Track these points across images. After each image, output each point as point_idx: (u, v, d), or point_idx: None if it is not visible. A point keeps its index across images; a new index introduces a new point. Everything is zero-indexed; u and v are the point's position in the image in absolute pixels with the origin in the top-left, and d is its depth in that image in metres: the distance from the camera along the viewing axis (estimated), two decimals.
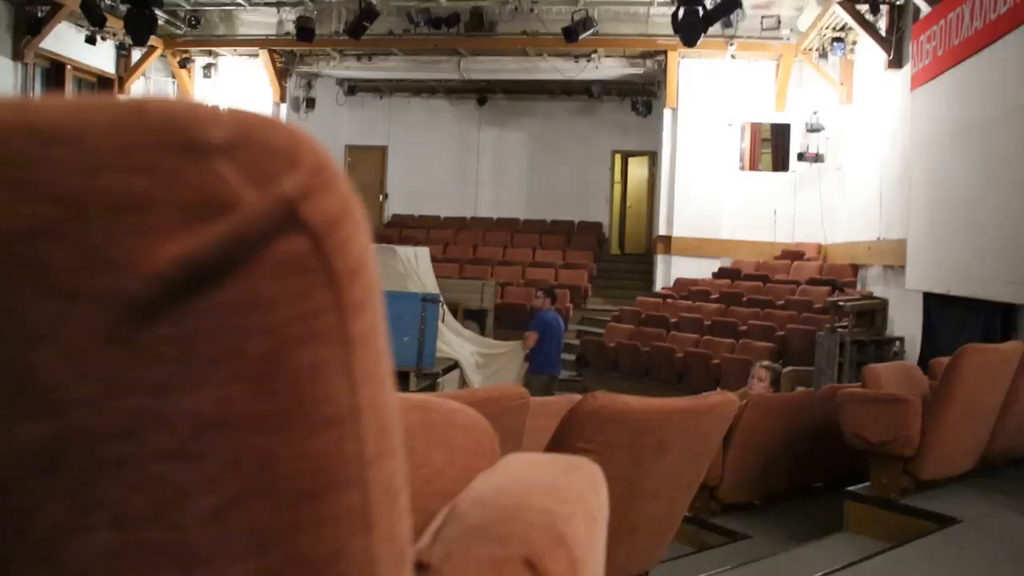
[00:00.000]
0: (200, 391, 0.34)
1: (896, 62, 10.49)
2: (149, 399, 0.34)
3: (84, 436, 0.34)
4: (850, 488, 4.27)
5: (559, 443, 2.29)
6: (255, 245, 0.35)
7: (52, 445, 0.35)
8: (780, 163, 15.06)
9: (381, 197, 18.41)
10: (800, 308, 11.44)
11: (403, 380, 7.63)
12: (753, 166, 15.26)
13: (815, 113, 13.47)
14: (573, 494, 0.73)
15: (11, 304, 0.34)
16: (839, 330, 8.56)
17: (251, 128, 0.36)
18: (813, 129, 13.54)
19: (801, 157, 13.79)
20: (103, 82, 15.27)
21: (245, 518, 0.36)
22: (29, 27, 12.69)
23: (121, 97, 0.37)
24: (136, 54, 15.22)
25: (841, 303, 8.83)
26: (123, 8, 12.98)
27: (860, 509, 4.11)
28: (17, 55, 12.77)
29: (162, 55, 15.58)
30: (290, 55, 15.70)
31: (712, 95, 14.44)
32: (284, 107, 16.14)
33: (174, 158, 0.34)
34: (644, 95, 16.39)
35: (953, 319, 8.03)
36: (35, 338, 0.34)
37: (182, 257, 0.34)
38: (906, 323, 9.42)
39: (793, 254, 13.89)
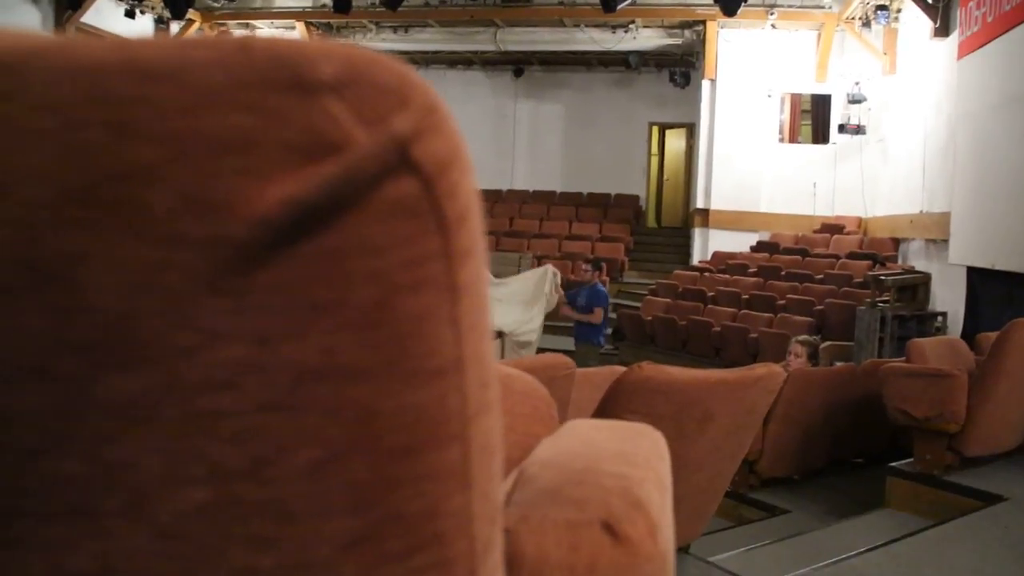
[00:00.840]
0: (302, 340, 0.33)
1: (942, 30, 10.25)
2: (249, 349, 0.33)
3: (181, 387, 0.34)
4: (892, 464, 4.23)
5: (604, 414, 2.28)
6: (365, 187, 0.34)
7: (148, 397, 0.34)
8: (820, 135, 14.83)
9: None
10: (839, 282, 11.30)
11: None
12: (792, 138, 15.05)
13: (857, 84, 13.22)
14: (642, 459, 0.72)
15: (111, 250, 0.33)
16: (880, 305, 8.44)
17: (360, 65, 0.35)
18: (855, 100, 13.31)
19: (842, 129, 13.57)
20: None
21: (343, 473, 0.35)
22: (70, 2, 12.80)
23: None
24: (174, 27, 15.29)
25: (882, 277, 8.70)
26: None
27: (902, 485, 4.06)
28: (58, 30, 12.88)
29: (199, 28, 15.64)
30: (326, 27, 15.68)
31: (751, 66, 14.23)
32: None
33: (281, 96, 0.33)
34: (682, 66, 16.17)
35: (998, 293, 7.88)
36: (134, 285, 0.33)
37: (288, 199, 0.32)
38: (949, 298, 9.27)
39: (833, 227, 13.71)
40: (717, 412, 2.40)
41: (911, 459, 4.18)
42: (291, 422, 0.34)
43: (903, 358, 4.88)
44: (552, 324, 10.84)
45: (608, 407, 2.28)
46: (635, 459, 0.71)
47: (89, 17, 13.30)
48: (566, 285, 10.39)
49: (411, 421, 0.35)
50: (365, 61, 0.35)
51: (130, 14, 13.88)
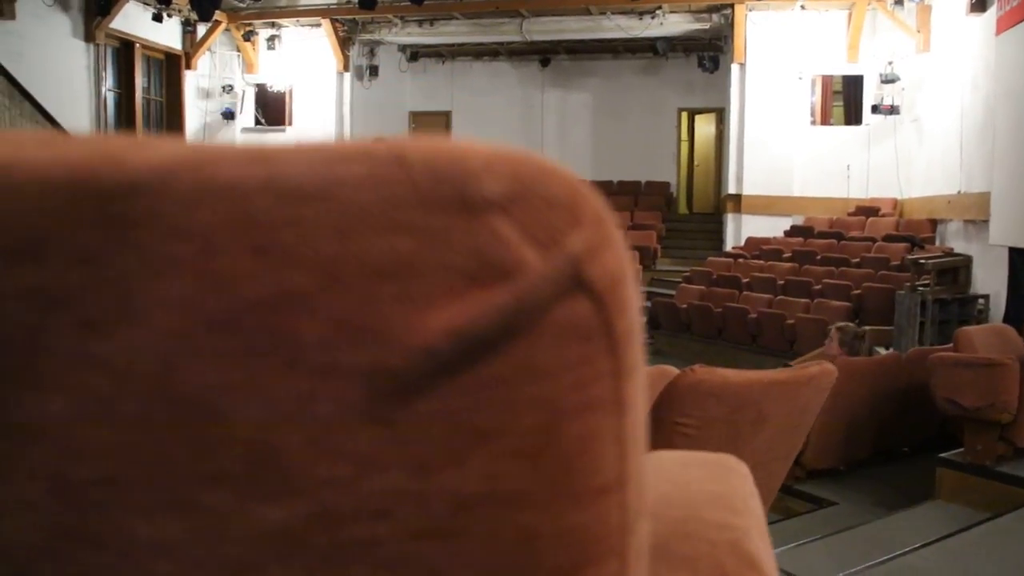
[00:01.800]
0: (463, 467, 0.31)
1: (979, 5, 10.05)
2: (406, 477, 0.31)
3: (331, 517, 0.32)
4: (942, 455, 4.17)
5: (657, 418, 2.26)
6: (537, 312, 0.32)
7: (295, 527, 0.32)
8: (853, 116, 14.64)
9: None
10: (876, 266, 11.15)
11: None
12: (824, 120, 14.88)
13: (890, 63, 13.02)
14: (740, 503, 0.70)
15: (256, 381, 0.31)
16: (920, 289, 8.33)
17: (529, 179, 0.33)
18: (888, 80, 13.11)
19: (875, 109, 13.38)
20: (170, 59, 15.52)
21: None
22: (99, 8, 12.92)
23: (375, 140, 0.33)
24: (201, 29, 15.40)
25: (922, 261, 8.57)
26: None
27: (953, 476, 4.01)
28: (89, 36, 13.04)
29: (226, 29, 15.74)
30: (352, 23, 15.71)
31: (781, 48, 14.05)
32: (348, 76, 16.21)
33: (443, 216, 0.31)
34: (711, 50, 16.00)
35: None
36: (281, 415, 0.31)
37: (453, 328, 0.30)
38: (990, 280, 9.13)
39: (868, 210, 13.53)
40: (771, 413, 2.37)
41: (961, 449, 4.12)
42: (448, 548, 0.32)
43: (948, 345, 4.81)
44: None
45: (660, 411, 2.26)
46: (734, 503, 0.69)
47: (117, 23, 13.44)
48: None
49: (572, 541, 0.33)
50: (534, 173, 0.33)
51: (157, 18, 13.98)
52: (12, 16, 11.55)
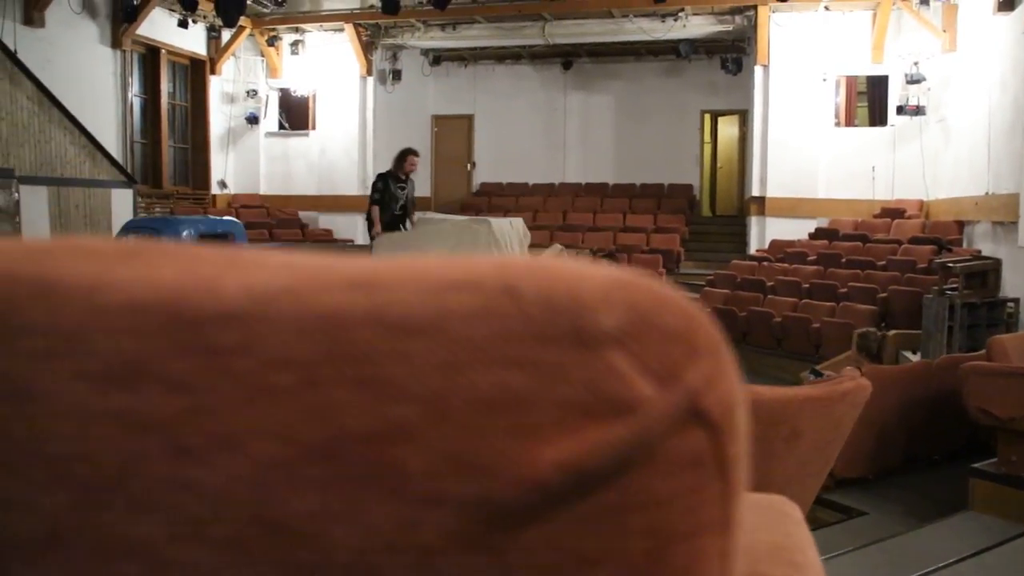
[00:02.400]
0: None
1: (1007, 4, 9.94)
2: None
3: None
4: (975, 465, 4.13)
5: None
6: (653, 446, 0.31)
7: None
8: (877, 117, 14.53)
9: (469, 166, 18.44)
10: (903, 268, 11.06)
11: None
12: (849, 121, 14.78)
13: (915, 63, 12.92)
14: (800, 555, 0.70)
15: (356, 509, 0.31)
16: (948, 292, 8.24)
17: (646, 309, 0.32)
18: (913, 80, 13.01)
19: (901, 110, 13.28)
20: (195, 64, 15.63)
21: None
22: (126, 15, 13.03)
23: (485, 264, 0.33)
24: (225, 35, 15.49)
25: (950, 264, 8.48)
26: None
27: (986, 487, 3.96)
28: (116, 43, 13.15)
29: (250, 34, 15.83)
30: (375, 28, 15.76)
31: (805, 49, 13.97)
32: (371, 80, 16.26)
33: (558, 350, 0.30)
34: (734, 52, 15.92)
35: None
36: (382, 543, 0.31)
37: (567, 463, 0.30)
38: (1020, 283, 9.02)
39: (893, 212, 13.41)
40: (804, 429, 2.36)
41: (994, 459, 4.08)
42: None
43: (979, 351, 4.76)
44: None
45: None
46: (794, 556, 0.69)
47: (144, 29, 13.55)
48: None
49: None
50: (650, 303, 0.32)
51: (183, 24, 14.08)
52: (42, 24, 11.67)
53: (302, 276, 0.33)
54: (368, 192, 16.20)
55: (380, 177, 9.42)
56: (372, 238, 9.28)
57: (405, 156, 9.28)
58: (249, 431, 0.31)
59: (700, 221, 16.76)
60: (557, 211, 16.72)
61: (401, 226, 9.36)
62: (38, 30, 11.63)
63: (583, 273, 0.32)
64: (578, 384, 0.30)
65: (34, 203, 11.11)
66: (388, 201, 9.14)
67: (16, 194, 10.78)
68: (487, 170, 18.36)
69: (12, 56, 10.77)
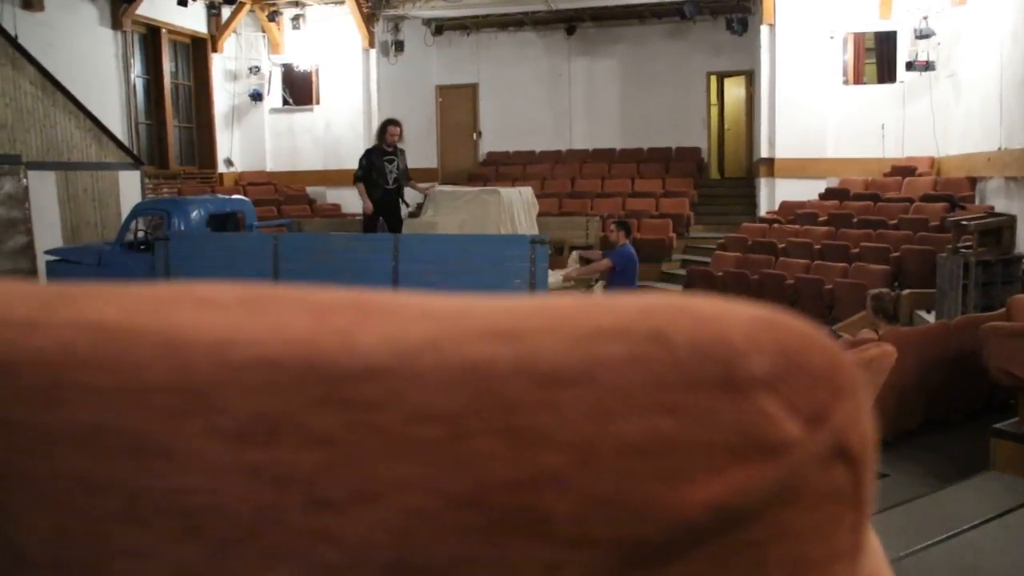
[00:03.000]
0: None
1: None
2: None
3: None
4: (996, 425, 4.13)
5: None
6: (799, 483, 0.32)
7: None
8: (886, 74, 14.39)
9: (475, 135, 18.36)
10: (915, 227, 11.00)
11: None
12: (857, 79, 14.64)
13: (924, 18, 12.75)
14: None
15: (499, 552, 0.31)
16: (962, 251, 8.20)
17: (794, 354, 0.32)
18: (923, 35, 12.85)
19: (910, 66, 13.13)
20: (196, 43, 15.56)
21: None
22: None
23: (631, 308, 0.32)
24: (226, 12, 15.40)
25: (964, 222, 8.43)
26: None
27: (1009, 447, 3.97)
28: (116, 24, 13.10)
29: (251, 10, 15.74)
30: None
31: (811, 7, 13.83)
32: (373, 52, 16.16)
33: (708, 395, 0.31)
34: (739, 12, 15.74)
35: None
36: None
37: (715, 503, 0.30)
38: None
39: (904, 170, 13.32)
40: None
41: (1015, 419, 4.08)
42: None
43: (997, 311, 4.74)
44: None
45: None
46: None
47: (143, 9, 13.48)
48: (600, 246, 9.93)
49: None
50: (797, 346, 0.32)
51: (182, 2, 14.00)
52: (41, 8, 11.62)
53: (442, 326, 0.33)
54: None
55: (365, 153, 9.35)
56: (365, 216, 9.27)
57: (385, 128, 9.21)
58: (391, 483, 0.32)
59: (709, 184, 16.69)
60: (565, 178, 16.65)
61: (400, 201, 9.26)
62: (37, 14, 11.58)
63: (729, 315, 0.32)
64: (727, 427, 0.31)
65: (43, 188, 11.11)
66: (376, 177, 9.01)
67: (24, 180, 10.78)
68: (493, 139, 18.27)
69: (13, 41, 10.73)
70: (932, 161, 13.19)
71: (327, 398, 0.32)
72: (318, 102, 16.62)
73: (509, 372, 0.31)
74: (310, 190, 16.32)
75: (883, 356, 2.48)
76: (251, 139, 16.67)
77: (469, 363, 0.31)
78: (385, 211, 9.07)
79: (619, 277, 8.23)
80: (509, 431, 0.31)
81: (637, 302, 0.33)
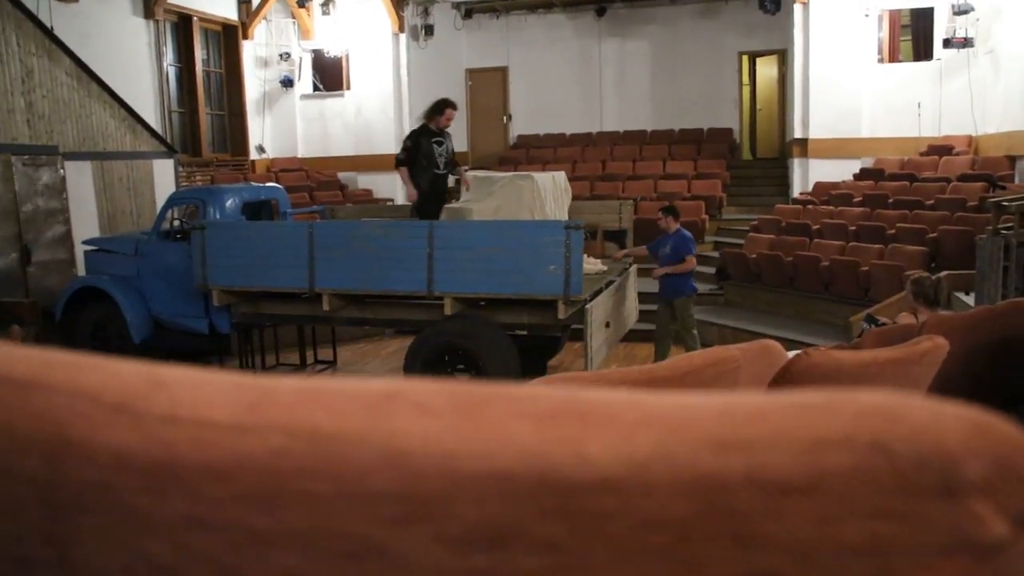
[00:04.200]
0: None
1: None
2: None
3: None
4: None
5: None
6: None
7: None
8: (922, 51, 14.18)
9: (505, 119, 18.32)
10: (952, 207, 10.85)
11: (551, 309, 7.68)
12: (893, 57, 14.43)
13: None
14: None
15: None
16: (1003, 232, 8.06)
17: (1005, 457, 0.34)
18: (961, 11, 12.63)
19: (947, 43, 12.92)
20: (227, 30, 15.62)
21: None
22: None
23: (847, 414, 0.34)
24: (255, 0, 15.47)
25: (1005, 203, 8.28)
26: None
27: None
28: (149, 13, 13.18)
29: None
30: None
31: None
32: (403, 37, 16.15)
33: (925, 501, 0.32)
34: None
35: None
36: None
37: None
38: None
39: (940, 149, 13.15)
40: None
41: None
42: None
43: None
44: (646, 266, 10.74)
45: None
46: None
47: None
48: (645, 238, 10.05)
49: None
50: (1009, 451, 0.34)
51: None
52: None
53: (667, 436, 0.33)
54: None
55: (411, 135, 8.81)
56: (412, 204, 8.86)
57: (442, 108, 8.66)
58: None
59: (741, 165, 16.56)
60: (596, 161, 16.59)
61: (445, 187, 9.05)
62: (72, 5, 11.68)
63: (944, 420, 0.34)
64: (942, 529, 0.32)
65: (79, 178, 11.26)
66: (423, 161, 8.54)
67: (62, 170, 10.92)
68: (523, 122, 18.23)
69: (49, 33, 10.84)
70: (970, 140, 13.00)
71: (558, 508, 0.32)
72: (348, 87, 16.65)
73: (738, 484, 0.32)
74: (341, 175, 16.39)
75: (936, 349, 2.44)
76: (282, 125, 16.75)
77: (700, 475, 0.32)
78: (435, 197, 8.67)
79: (677, 259, 8.77)
80: (734, 536, 0.32)
81: (850, 405, 0.33)
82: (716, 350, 2.36)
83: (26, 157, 10.48)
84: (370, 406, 0.35)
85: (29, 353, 0.36)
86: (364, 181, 16.48)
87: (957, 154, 12.83)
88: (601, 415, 0.34)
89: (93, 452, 0.32)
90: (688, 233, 9.05)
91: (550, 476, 0.32)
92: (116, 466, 0.32)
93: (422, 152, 8.55)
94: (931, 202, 11.29)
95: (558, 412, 0.35)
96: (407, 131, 16.11)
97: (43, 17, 10.88)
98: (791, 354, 3.65)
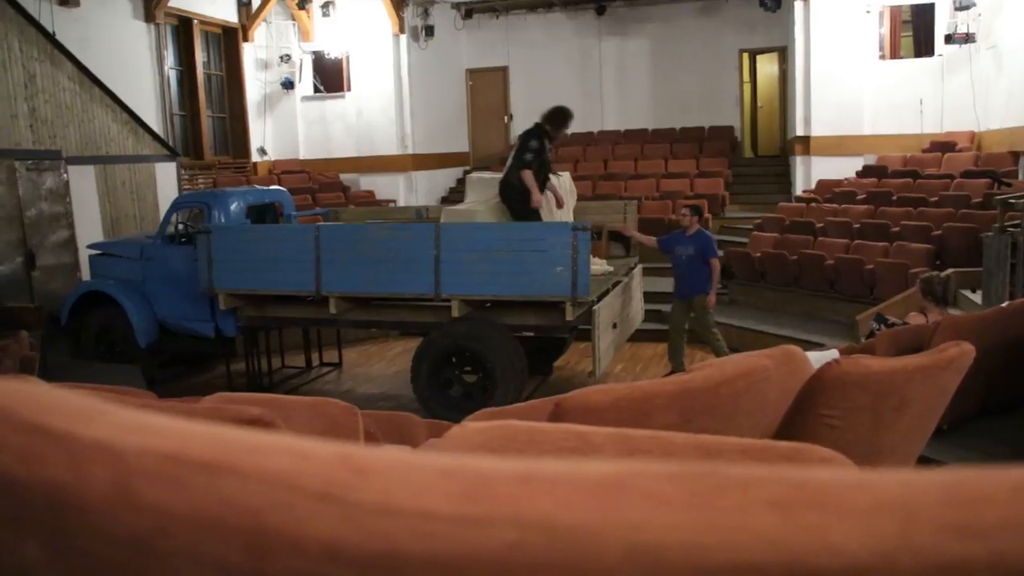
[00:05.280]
0: None
1: None
2: None
3: None
4: None
5: (800, 411, 2.26)
6: None
7: None
8: (924, 47, 14.18)
9: (506, 118, 18.30)
10: (956, 204, 10.84)
11: (558, 310, 7.67)
12: (894, 53, 14.42)
13: None
14: None
15: None
16: (1009, 229, 8.06)
17: None
18: (962, 7, 12.62)
19: (949, 39, 12.92)
20: (228, 33, 15.60)
21: None
22: None
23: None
24: (256, 1, 15.42)
25: (1012, 200, 8.28)
26: None
27: None
28: (149, 16, 13.16)
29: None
30: None
31: None
32: (403, 38, 16.12)
33: None
34: None
35: None
36: None
37: None
38: None
39: (943, 145, 13.13)
40: (912, 398, 2.34)
41: None
42: None
43: None
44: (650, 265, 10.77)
45: (805, 404, 2.24)
46: None
47: (175, 1, 13.52)
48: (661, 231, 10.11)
49: None
50: None
51: None
52: (77, 3, 11.68)
53: (908, 524, 0.33)
54: (404, 149, 16.18)
55: (535, 136, 8.32)
56: (525, 210, 8.17)
57: (567, 119, 8.68)
58: None
59: (743, 163, 16.55)
60: (597, 160, 16.57)
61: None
62: (73, 9, 11.65)
63: None
64: None
65: (83, 183, 11.23)
66: (538, 167, 8.16)
67: (65, 175, 10.90)
68: (525, 121, 18.04)
69: (51, 38, 10.82)
70: (973, 136, 12.99)
71: None
72: (349, 89, 16.61)
73: (981, 571, 0.31)
74: (343, 177, 16.35)
75: (962, 356, 2.45)
76: (284, 127, 16.71)
77: (944, 564, 0.32)
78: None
79: (700, 260, 8.78)
80: None
81: None
82: (747, 360, 2.36)
83: (30, 162, 10.45)
84: (600, 495, 0.34)
85: (204, 432, 0.35)
86: (366, 182, 16.45)
87: (960, 150, 12.82)
88: (839, 501, 0.34)
89: (301, 543, 0.31)
90: (709, 232, 9.12)
91: (798, 566, 0.32)
92: (330, 559, 0.31)
93: (540, 158, 8.28)
94: (935, 199, 11.28)
95: (796, 499, 0.34)
96: (408, 131, 16.17)
97: (45, 22, 10.85)
98: (811, 357, 3.65)
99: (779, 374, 2.53)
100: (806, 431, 2.20)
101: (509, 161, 8.45)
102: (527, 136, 8.41)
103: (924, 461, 4.68)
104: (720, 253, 9.25)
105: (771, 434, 2.36)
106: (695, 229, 8.87)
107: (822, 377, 2.21)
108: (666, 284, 12.26)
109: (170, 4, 13.42)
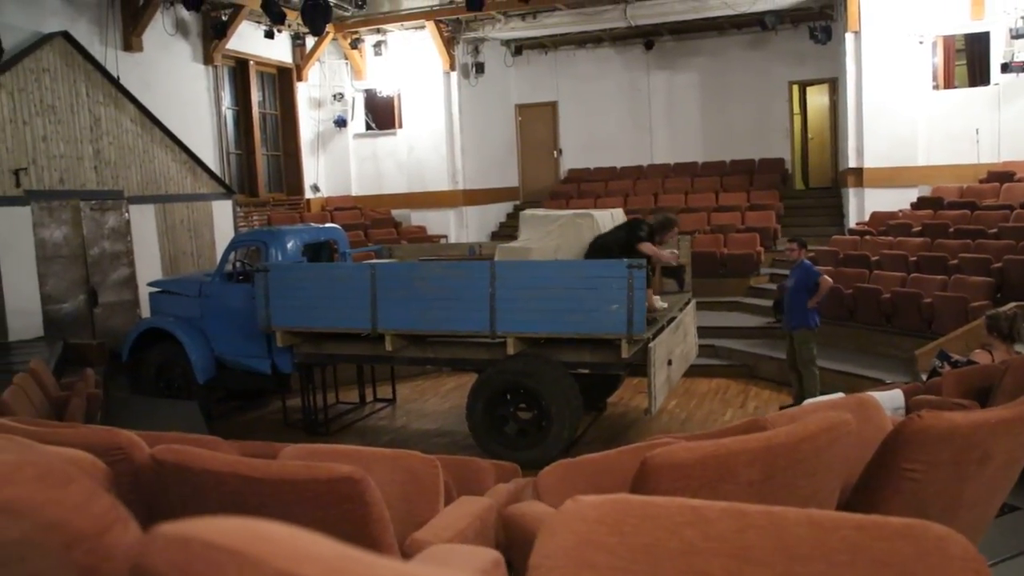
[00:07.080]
0: None
1: None
2: None
3: None
4: None
5: (882, 464, 2.23)
6: None
7: None
8: (979, 76, 13.99)
9: (555, 153, 18.41)
10: (1017, 236, 10.61)
11: (614, 348, 7.65)
12: (948, 83, 14.26)
13: (1021, 17, 12.36)
14: None
15: None
16: None
17: None
18: (1019, 35, 12.46)
19: (1005, 68, 12.74)
20: (282, 72, 15.95)
21: None
22: (216, 31, 13.37)
23: None
24: (309, 41, 15.75)
25: None
26: (296, 0, 13.46)
27: None
28: (208, 59, 13.51)
29: (333, 39, 16.05)
30: (456, 23, 15.82)
31: (898, 11, 13.54)
32: (454, 75, 16.33)
33: None
34: (821, 20, 15.50)
35: None
36: None
37: None
38: None
39: (1001, 175, 12.92)
40: (995, 451, 2.30)
41: None
42: None
43: None
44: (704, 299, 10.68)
45: (887, 457, 2.22)
46: None
47: (233, 43, 13.89)
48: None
49: None
50: None
51: (269, 35, 14.38)
52: (140, 48, 12.05)
53: None
54: (455, 184, 16.31)
55: (645, 225, 8.50)
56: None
57: (671, 227, 8.77)
58: None
59: (793, 195, 16.42)
60: (647, 194, 16.56)
61: None
62: (136, 54, 12.01)
63: None
64: None
65: (143, 221, 11.52)
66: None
67: (126, 214, 11.19)
68: (574, 156, 18.30)
69: (115, 82, 11.16)
70: None
71: None
72: (401, 126, 16.84)
73: None
74: (395, 213, 16.54)
75: None
76: (336, 164, 16.98)
77: None
78: None
79: (801, 292, 8.92)
80: None
81: None
82: (831, 416, 2.34)
83: (93, 202, 10.76)
84: None
85: (319, 551, 0.37)
86: (417, 218, 16.62)
87: (1019, 180, 12.60)
88: None
89: None
90: (809, 262, 9.28)
91: None
92: None
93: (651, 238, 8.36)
94: (994, 230, 11.08)
95: None
96: (459, 167, 16.33)
97: (109, 67, 11.21)
98: (878, 398, 3.60)
99: (856, 425, 2.50)
100: (888, 485, 2.18)
101: (611, 233, 8.51)
102: (638, 222, 8.62)
103: (1009, 509, 4.57)
104: (823, 276, 9.09)
105: (851, 486, 2.34)
106: (801, 260, 8.98)
107: (904, 431, 2.18)
108: (718, 319, 12.19)
109: (228, 47, 13.76)
